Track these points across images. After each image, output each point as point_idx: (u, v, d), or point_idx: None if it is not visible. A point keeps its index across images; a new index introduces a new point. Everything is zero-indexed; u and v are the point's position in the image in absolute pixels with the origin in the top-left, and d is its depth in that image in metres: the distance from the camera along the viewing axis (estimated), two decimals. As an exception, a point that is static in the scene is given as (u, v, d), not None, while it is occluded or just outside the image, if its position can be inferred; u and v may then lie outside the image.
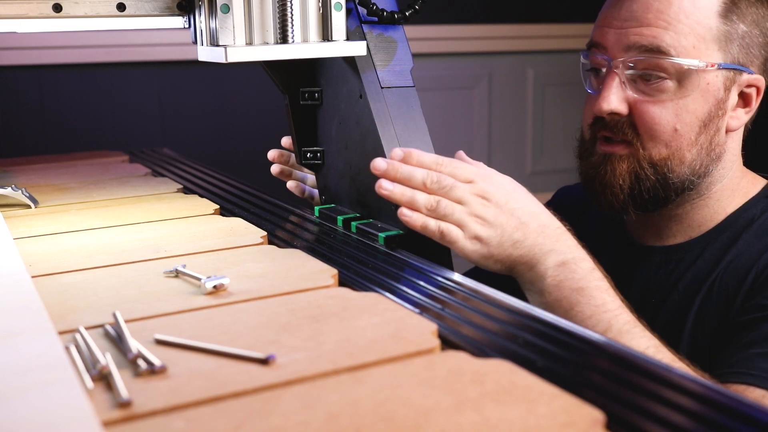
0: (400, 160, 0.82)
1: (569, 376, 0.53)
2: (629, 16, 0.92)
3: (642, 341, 0.75)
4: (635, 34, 0.91)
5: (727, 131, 0.94)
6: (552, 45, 2.75)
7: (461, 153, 0.89)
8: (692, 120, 0.91)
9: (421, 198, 0.80)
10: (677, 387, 0.51)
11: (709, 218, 0.97)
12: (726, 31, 0.91)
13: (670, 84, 0.91)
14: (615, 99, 0.92)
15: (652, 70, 0.90)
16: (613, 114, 0.93)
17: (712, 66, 0.90)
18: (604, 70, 0.95)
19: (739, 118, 0.95)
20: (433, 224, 0.80)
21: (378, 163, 0.81)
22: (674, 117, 0.91)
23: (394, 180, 0.81)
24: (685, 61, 0.89)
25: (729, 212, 0.96)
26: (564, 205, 1.15)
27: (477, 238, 0.80)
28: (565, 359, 0.56)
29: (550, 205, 1.16)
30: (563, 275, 0.78)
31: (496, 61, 2.77)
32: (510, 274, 0.82)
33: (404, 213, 0.80)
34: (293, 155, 1.15)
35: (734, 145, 0.97)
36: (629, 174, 0.93)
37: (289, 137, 1.10)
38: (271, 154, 1.16)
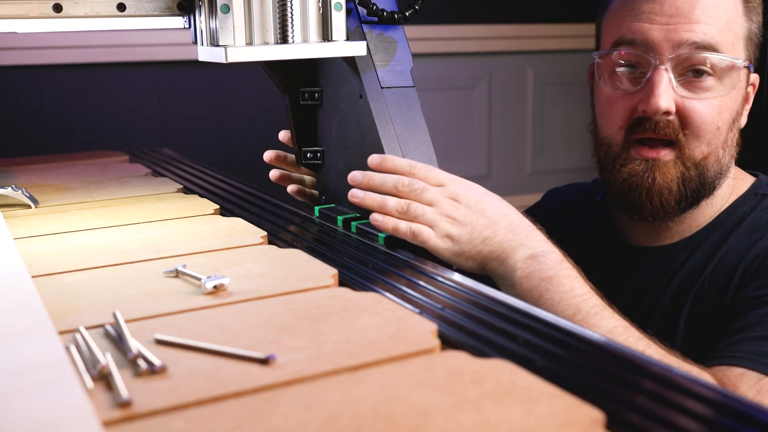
0: (375, 166, 0.85)
1: (569, 376, 0.53)
2: (675, 12, 0.90)
3: (610, 321, 0.75)
4: (686, 31, 0.89)
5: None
6: (552, 45, 2.75)
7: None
8: (729, 117, 0.92)
9: (392, 202, 0.83)
10: (677, 387, 0.51)
11: (704, 217, 0.97)
12: (748, 29, 0.92)
13: (713, 81, 0.90)
14: (668, 98, 0.90)
15: (700, 67, 0.90)
16: (665, 113, 0.90)
17: (747, 63, 0.92)
18: (621, 69, 0.93)
19: (744, 115, 0.96)
20: (404, 226, 0.82)
21: (354, 176, 0.87)
22: (717, 115, 0.91)
23: (368, 188, 0.85)
24: (731, 58, 0.90)
25: (721, 210, 0.96)
26: (553, 208, 1.15)
27: (448, 236, 0.81)
28: (565, 359, 0.56)
29: (538, 207, 1.16)
30: (532, 267, 0.79)
31: (496, 61, 2.77)
32: (482, 272, 0.83)
33: (375, 218, 0.83)
34: (290, 154, 1.14)
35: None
36: (677, 179, 0.92)
37: (287, 131, 1.10)
38: (268, 155, 1.14)
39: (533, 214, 0.87)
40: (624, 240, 1.03)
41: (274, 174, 1.13)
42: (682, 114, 0.91)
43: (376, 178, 0.85)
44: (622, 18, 0.94)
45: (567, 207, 1.13)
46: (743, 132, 1.00)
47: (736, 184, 0.98)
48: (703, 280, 0.92)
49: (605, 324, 0.75)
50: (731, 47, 0.90)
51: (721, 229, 0.95)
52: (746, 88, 0.95)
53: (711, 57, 0.89)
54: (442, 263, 0.82)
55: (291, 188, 1.13)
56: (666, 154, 0.92)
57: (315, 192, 1.12)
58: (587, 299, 0.77)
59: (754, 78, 0.95)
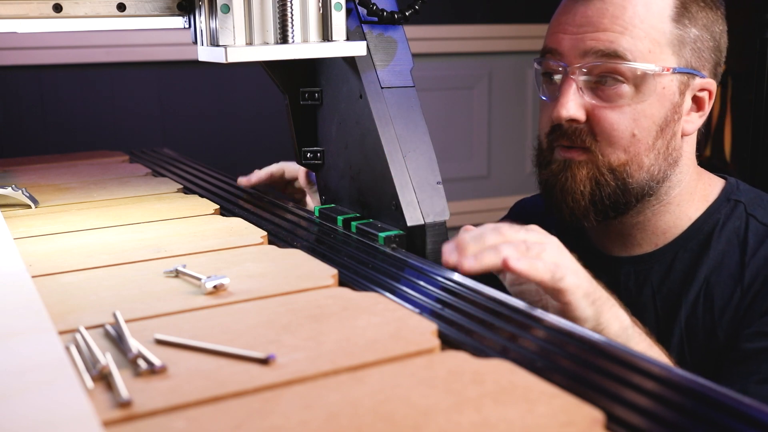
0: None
1: (569, 376, 0.53)
2: (584, 22, 0.91)
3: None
4: (591, 39, 0.90)
5: (682, 135, 0.94)
6: (552, 45, 2.75)
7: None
8: (650, 125, 0.91)
9: (511, 248, 0.73)
10: (677, 387, 0.51)
11: (672, 224, 0.96)
12: (679, 35, 0.91)
13: (627, 89, 0.90)
14: (573, 105, 0.91)
15: (609, 75, 0.90)
16: (572, 121, 0.91)
17: (668, 70, 0.90)
18: (558, 76, 0.94)
19: (693, 122, 0.95)
20: (541, 264, 0.72)
21: (449, 254, 0.74)
22: (632, 122, 0.90)
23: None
24: (642, 66, 0.89)
25: (693, 218, 0.95)
26: (521, 219, 1.14)
27: (576, 273, 0.74)
28: (565, 359, 0.56)
29: (507, 219, 1.16)
30: (638, 329, 0.78)
31: (496, 61, 2.77)
32: (595, 326, 0.75)
33: (512, 261, 0.70)
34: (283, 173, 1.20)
35: (689, 148, 0.97)
36: (589, 180, 0.92)
37: (244, 177, 1.16)
38: (242, 182, 1.21)
39: (536, 204, 0.87)
40: (594, 249, 1.02)
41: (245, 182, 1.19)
42: (592, 121, 0.91)
43: (488, 237, 0.74)
44: (550, 28, 0.96)
45: (533, 218, 1.12)
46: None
47: (701, 189, 0.97)
48: (695, 297, 0.91)
49: None
50: (647, 54, 0.89)
51: (698, 237, 0.94)
52: (681, 94, 0.92)
53: (618, 65, 0.89)
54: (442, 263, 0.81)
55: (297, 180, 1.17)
56: (578, 155, 0.92)
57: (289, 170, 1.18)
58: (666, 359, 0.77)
59: (706, 83, 0.93)
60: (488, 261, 0.71)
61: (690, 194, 0.96)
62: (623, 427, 0.47)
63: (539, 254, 0.73)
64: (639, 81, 0.90)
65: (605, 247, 1.01)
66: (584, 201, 0.93)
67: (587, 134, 0.92)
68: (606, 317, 0.75)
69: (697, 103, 0.94)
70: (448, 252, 0.74)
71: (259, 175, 1.20)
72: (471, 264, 0.71)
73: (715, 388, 0.51)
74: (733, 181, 0.98)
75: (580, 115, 0.91)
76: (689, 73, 0.92)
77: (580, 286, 0.73)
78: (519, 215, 1.17)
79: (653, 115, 0.91)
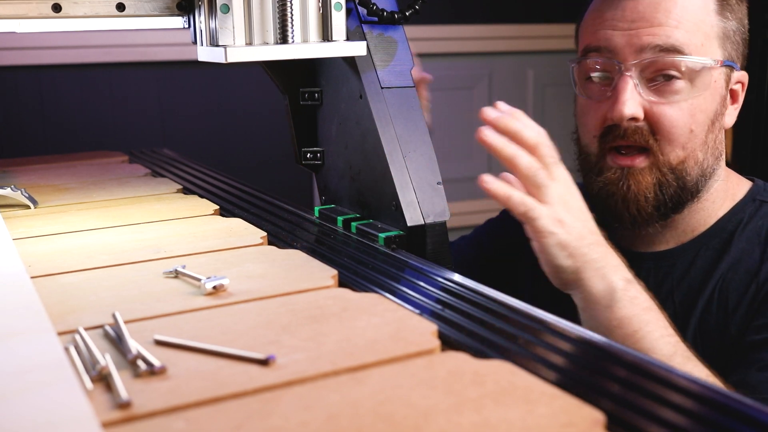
0: (493, 121, 0.77)
1: (569, 377, 0.53)
2: (637, 17, 0.89)
3: (700, 371, 0.74)
4: (648, 35, 0.88)
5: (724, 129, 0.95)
6: (552, 45, 2.75)
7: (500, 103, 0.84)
8: (704, 119, 0.90)
9: (524, 160, 0.75)
10: (677, 387, 0.51)
11: (702, 222, 0.95)
12: (723, 27, 0.91)
13: (682, 84, 0.89)
14: (633, 104, 0.89)
15: (667, 70, 0.88)
16: (632, 120, 0.89)
17: (720, 63, 0.90)
18: (596, 75, 0.92)
19: (731, 115, 0.94)
20: (517, 197, 0.74)
21: (487, 112, 0.76)
22: (690, 118, 0.89)
23: (503, 130, 0.76)
24: (699, 60, 0.88)
25: (719, 216, 0.95)
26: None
27: (560, 221, 0.75)
28: (566, 360, 0.56)
29: (505, 213, 1.15)
30: (633, 292, 0.76)
31: (496, 61, 2.77)
32: (573, 281, 0.77)
33: (486, 180, 0.74)
34: None
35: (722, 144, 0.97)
36: (653, 185, 0.90)
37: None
38: None
39: (512, 218, 0.85)
40: (617, 244, 1.02)
41: None
42: (651, 119, 0.90)
43: (514, 124, 0.76)
44: (591, 26, 0.94)
45: None
46: (742, 132, 1.00)
47: (731, 188, 0.96)
48: (711, 293, 0.91)
49: (699, 372, 0.73)
50: (700, 48, 0.89)
51: (721, 236, 0.94)
52: (726, 87, 0.93)
53: (676, 60, 0.88)
54: (442, 264, 0.81)
55: None
56: (640, 161, 0.90)
57: None
58: (680, 341, 0.75)
59: (741, 76, 0.94)
60: (500, 153, 0.74)
61: (723, 192, 0.96)
62: (623, 428, 0.47)
63: (539, 185, 0.74)
64: (694, 75, 0.89)
65: (628, 244, 0.99)
66: (649, 207, 0.91)
67: (647, 133, 0.90)
68: (588, 274, 0.75)
69: (733, 95, 0.95)
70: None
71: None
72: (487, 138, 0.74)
73: (716, 389, 0.51)
74: (760, 182, 0.98)
75: (640, 113, 0.89)
76: (731, 65, 0.92)
77: (555, 233, 0.74)
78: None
79: (707, 109, 0.90)
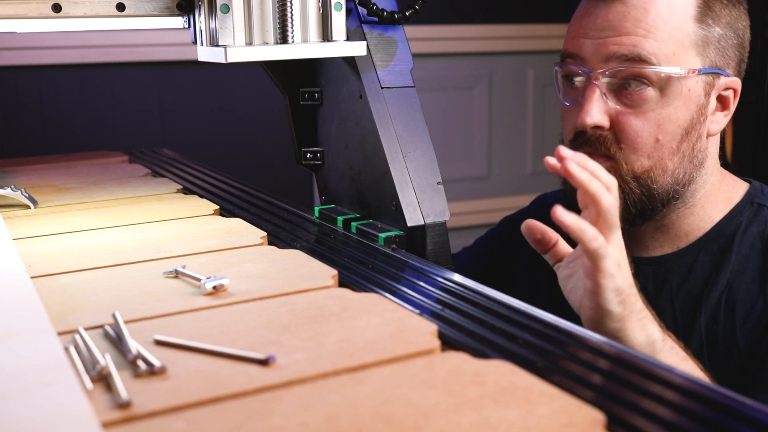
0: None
1: (569, 377, 0.53)
2: (606, 26, 0.89)
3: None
4: (614, 44, 0.88)
5: (708, 136, 0.93)
6: (552, 45, 2.75)
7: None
8: (674, 129, 0.89)
9: (607, 198, 0.75)
10: (677, 387, 0.51)
11: (696, 227, 0.95)
12: (703, 35, 0.89)
13: (651, 93, 0.88)
14: (597, 112, 0.89)
15: (633, 79, 0.88)
16: (596, 128, 0.89)
17: (693, 72, 0.88)
18: (579, 79, 0.92)
19: (719, 122, 0.93)
20: (591, 232, 0.72)
21: (563, 150, 0.74)
22: (656, 128, 0.89)
23: (581, 167, 0.74)
24: (667, 69, 0.87)
25: (715, 220, 0.94)
26: (543, 214, 1.14)
27: (620, 266, 0.75)
28: (565, 359, 0.56)
29: (528, 213, 1.15)
30: (670, 343, 0.77)
31: (496, 61, 2.77)
32: (614, 331, 0.75)
33: (560, 213, 0.71)
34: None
35: (713, 149, 0.95)
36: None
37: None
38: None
39: (521, 220, 0.84)
40: None
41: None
42: (616, 128, 0.90)
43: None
44: (570, 31, 0.94)
45: None
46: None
47: (727, 191, 0.96)
48: (716, 302, 0.90)
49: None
50: (671, 57, 0.88)
51: (719, 240, 0.93)
52: (706, 95, 0.91)
53: (643, 70, 0.87)
54: (442, 264, 0.81)
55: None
56: (602, 163, 0.88)
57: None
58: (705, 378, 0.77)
59: (731, 82, 0.92)
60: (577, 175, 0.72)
61: (714, 196, 0.95)
62: (623, 428, 0.47)
63: (609, 230, 0.74)
64: (664, 85, 0.88)
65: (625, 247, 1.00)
66: None
67: (611, 141, 0.90)
68: (632, 324, 0.75)
69: (722, 102, 0.93)
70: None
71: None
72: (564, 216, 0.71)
73: (716, 389, 0.51)
74: (757, 184, 0.97)
75: (605, 122, 0.89)
76: (714, 73, 0.90)
77: (615, 276, 0.73)
78: (540, 209, 1.16)
79: (678, 118, 0.89)
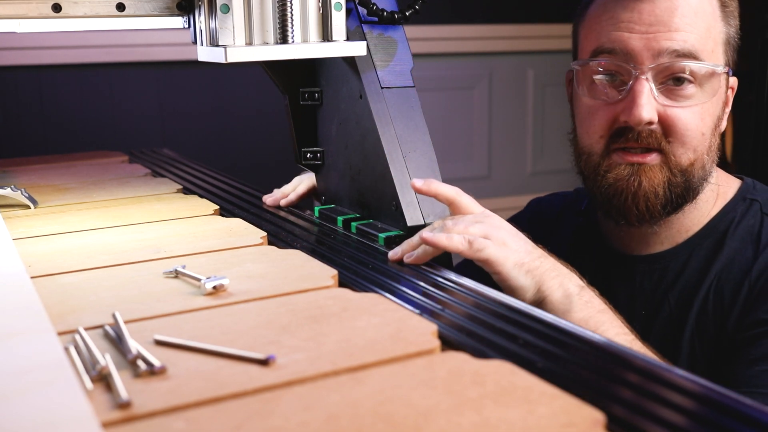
0: (420, 189, 0.84)
1: (569, 377, 0.53)
2: (654, 21, 0.89)
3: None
4: (666, 39, 0.88)
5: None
6: (552, 45, 2.75)
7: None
8: (712, 123, 0.91)
9: (447, 222, 0.81)
10: (677, 387, 0.51)
11: (696, 222, 0.96)
12: (727, 33, 0.92)
13: (695, 88, 0.90)
14: (650, 108, 0.89)
15: (680, 74, 0.89)
16: (648, 123, 0.89)
17: (728, 68, 0.91)
18: (614, 76, 0.92)
19: (725, 119, 0.96)
20: (458, 237, 0.78)
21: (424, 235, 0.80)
22: (701, 121, 0.90)
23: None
24: (712, 65, 0.89)
25: (711, 215, 0.96)
26: (537, 218, 1.14)
27: (505, 244, 0.78)
28: (565, 360, 0.56)
29: (522, 218, 1.16)
30: (587, 296, 0.78)
31: (496, 61, 2.77)
32: (536, 293, 0.79)
33: (427, 235, 0.78)
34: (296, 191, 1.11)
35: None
36: (663, 183, 0.91)
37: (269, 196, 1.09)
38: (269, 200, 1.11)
39: (517, 224, 0.85)
40: (612, 248, 1.02)
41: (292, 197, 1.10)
42: (665, 123, 0.90)
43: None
44: (601, 27, 0.93)
45: (549, 217, 1.12)
46: (742, 133, 1.01)
47: (721, 187, 0.97)
48: (706, 293, 0.91)
49: None
50: (711, 54, 0.90)
51: (713, 236, 0.94)
52: (726, 92, 0.94)
53: (691, 65, 0.88)
54: (442, 264, 0.81)
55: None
56: (652, 159, 0.91)
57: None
58: (635, 340, 0.77)
59: (733, 81, 0.95)
60: (414, 243, 0.81)
61: (713, 192, 0.97)
62: (623, 427, 0.47)
63: (464, 228, 0.79)
64: (705, 80, 0.90)
65: (622, 246, 1.00)
66: (658, 204, 0.91)
67: (661, 136, 0.90)
68: (548, 285, 0.78)
69: (727, 100, 0.96)
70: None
71: (290, 200, 1.10)
72: (399, 253, 0.81)
73: (716, 389, 0.51)
74: (749, 181, 0.99)
75: (656, 117, 0.90)
76: (729, 70, 0.93)
77: (508, 257, 0.77)
78: (534, 213, 1.17)
79: (714, 113, 0.92)
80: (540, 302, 0.78)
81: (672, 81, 0.89)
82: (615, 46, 0.91)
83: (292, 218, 1.01)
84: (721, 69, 0.90)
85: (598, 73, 0.93)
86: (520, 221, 1.12)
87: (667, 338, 0.93)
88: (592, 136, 0.94)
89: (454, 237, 0.78)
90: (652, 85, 0.89)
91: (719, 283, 0.91)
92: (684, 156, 0.91)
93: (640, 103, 0.88)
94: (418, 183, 0.84)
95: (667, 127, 0.90)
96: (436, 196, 0.84)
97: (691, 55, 0.88)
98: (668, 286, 0.95)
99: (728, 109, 0.96)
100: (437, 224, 0.82)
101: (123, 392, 0.49)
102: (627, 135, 0.91)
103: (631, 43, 0.90)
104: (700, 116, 0.90)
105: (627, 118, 0.90)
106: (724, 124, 0.96)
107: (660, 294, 0.95)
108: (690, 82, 0.89)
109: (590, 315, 0.76)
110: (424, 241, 0.78)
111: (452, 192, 0.84)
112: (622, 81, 0.91)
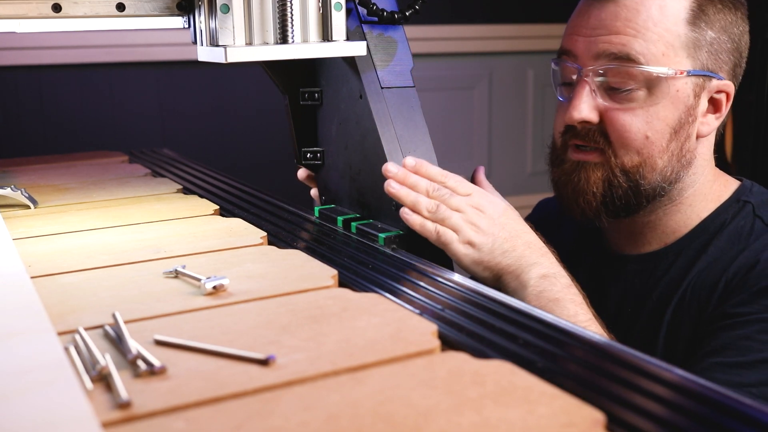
0: (410, 169, 0.88)
1: (569, 377, 0.53)
2: (598, 25, 0.91)
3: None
4: (604, 42, 0.91)
5: (698, 137, 0.94)
6: (552, 45, 2.74)
7: (480, 169, 0.97)
8: (663, 127, 0.91)
9: (423, 201, 0.86)
10: (677, 387, 0.51)
11: (683, 224, 0.97)
12: (694, 38, 0.91)
13: (640, 92, 0.90)
14: (586, 107, 0.92)
15: (621, 77, 0.90)
16: (584, 123, 0.92)
17: (681, 73, 0.90)
18: (574, 77, 0.94)
19: (710, 123, 0.95)
20: (430, 225, 0.85)
21: (389, 167, 0.87)
22: (645, 124, 0.91)
23: (401, 183, 0.87)
24: (655, 69, 0.89)
25: (702, 217, 0.96)
26: (543, 218, 1.16)
27: (470, 243, 0.84)
28: (566, 360, 0.56)
29: (531, 219, 1.17)
30: (543, 286, 0.82)
31: (496, 61, 2.77)
32: (495, 284, 0.85)
33: (405, 212, 0.86)
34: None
35: (705, 150, 0.97)
36: (602, 182, 0.93)
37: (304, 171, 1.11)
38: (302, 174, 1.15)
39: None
40: (608, 248, 1.04)
41: (302, 173, 1.13)
42: (605, 123, 0.92)
43: (411, 177, 0.87)
44: (567, 30, 0.97)
45: (554, 217, 1.13)
46: (742, 132, 1.00)
47: (717, 190, 0.97)
48: (684, 289, 0.92)
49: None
50: (660, 57, 0.90)
51: (702, 237, 0.95)
52: (696, 97, 0.92)
53: (631, 68, 0.90)
54: (442, 264, 0.82)
55: (314, 191, 1.12)
56: (594, 157, 0.93)
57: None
58: (588, 326, 0.79)
59: (724, 85, 0.94)
60: (403, 200, 0.86)
61: (704, 195, 0.97)
62: (623, 427, 0.47)
63: (443, 218, 0.85)
64: (652, 84, 0.90)
65: (617, 246, 1.02)
66: (596, 202, 0.94)
67: (600, 136, 0.93)
68: (505, 279, 0.85)
69: (714, 104, 0.94)
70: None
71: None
72: (392, 190, 0.87)
73: (716, 389, 0.51)
74: (747, 183, 0.99)
75: (593, 117, 0.92)
76: (705, 75, 0.92)
77: (468, 255, 0.84)
78: (541, 214, 1.18)
79: (666, 117, 0.91)
80: (501, 289, 0.84)
81: (617, 83, 0.91)
82: (567, 48, 0.96)
83: (292, 218, 1.01)
84: (670, 73, 0.89)
85: (559, 73, 0.99)
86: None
87: (646, 334, 0.94)
88: (555, 133, 0.99)
89: (426, 224, 0.85)
90: (594, 86, 0.92)
91: (698, 281, 0.92)
92: (626, 157, 0.92)
93: (575, 103, 0.93)
94: (409, 163, 0.88)
95: (605, 128, 0.93)
96: (426, 177, 0.88)
97: (628, 59, 0.90)
98: (653, 284, 0.96)
99: (720, 114, 0.94)
100: (433, 194, 0.87)
101: (123, 392, 0.49)
102: (572, 132, 0.95)
103: (576, 45, 0.94)
104: (644, 119, 0.91)
105: (565, 117, 0.94)
106: (706, 129, 0.94)
107: (645, 291, 0.96)
108: (633, 84, 0.90)
109: (540, 305, 0.81)
110: (402, 218, 0.86)
111: (439, 175, 0.88)
112: (572, 81, 0.95)
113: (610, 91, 0.92)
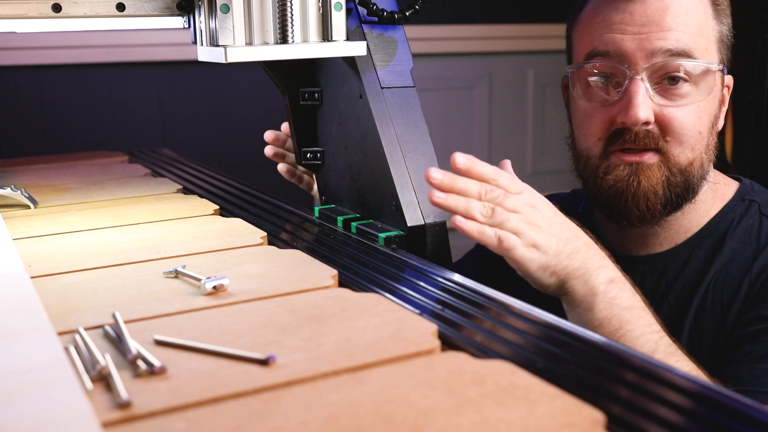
0: (462, 169, 0.78)
1: (569, 377, 0.53)
2: (646, 21, 0.89)
3: (685, 365, 0.75)
4: (659, 39, 0.89)
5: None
6: (552, 45, 2.75)
7: (507, 163, 0.87)
8: (708, 122, 0.92)
9: (477, 205, 0.77)
10: (677, 387, 0.51)
11: (695, 222, 0.96)
12: (719, 31, 0.92)
13: (690, 87, 0.90)
14: (646, 108, 0.89)
15: (677, 74, 0.89)
16: (644, 123, 0.90)
17: (721, 66, 0.92)
18: (609, 78, 0.92)
19: (722, 117, 0.96)
20: (489, 231, 0.76)
21: (433, 173, 0.76)
22: (697, 120, 0.90)
23: (450, 191, 0.76)
24: (705, 63, 0.89)
25: (710, 216, 0.96)
26: None
27: (534, 246, 0.77)
28: (565, 360, 0.56)
29: None
30: (614, 292, 0.77)
31: (496, 61, 2.77)
32: (559, 291, 0.79)
33: (458, 221, 0.75)
34: (289, 140, 1.17)
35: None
36: (662, 182, 0.91)
37: (274, 132, 1.14)
38: (268, 135, 1.20)
39: None
40: (612, 249, 1.02)
41: (268, 150, 1.16)
42: (661, 122, 0.90)
43: (459, 182, 0.77)
44: (594, 29, 0.93)
45: None
46: (742, 133, 1.01)
47: (719, 189, 0.97)
48: (705, 291, 0.91)
49: (682, 367, 0.74)
50: (704, 52, 0.90)
51: (713, 236, 0.95)
52: (722, 90, 0.95)
53: (685, 63, 0.89)
54: (442, 264, 0.81)
55: (281, 167, 1.15)
56: (650, 158, 0.91)
57: (305, 175, 1.18)
58: (663, 337, 0.76)
59: (728, 80, 0.95)
60: (454, 209, 0.76)
61: (712, 193, 0.97)
62: (623, 427, 0.47)
63: (501, 222, 0.76)
64: (700, 78, 0.90)
65: (623, 247, 1.00)
66: (658, 204, 0.91)
67: (658, 136, 0.91)
68: (571, 284, 0.78)
69: (723, 98, 0.96)
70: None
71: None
72: (438, 200, 0.76)
73: (716, 389, 0.51)
74: (747, 182, 0.99)
75: (653, 117, 0.90)
76: (723, 69, 0.94)
77: (534, 260, 0.77)
78: None
79: (710, 112, 0.92)
80: (563, 298, 0.79)
81: (667, 80, 0.90)
82: (609, 48, 0.91)
83: (292, 218, 1.01)
84: (716, 66, 0.91)
85: (593, 75, 0.94)
86: None
87: None
88: (590, 139, 0.94)
89: (485, 230, 0.76)
90: (648, 85, 0.90)
91: (718, 282, 0.91)
92: (682, 155, 0.91)
93: (636, 104, 0.89)
94: (460, 164, 0.77)
95: (664, 127, 0.90)
96: (478, 178, 0.78)
97: (684, 54, 0.89)
98: (668, 286, 0.95)
99: (725, 108, 0.97)
100: (486, 196, 0.77)
101: (123, 392, 0.49)
102: (624, 136, 0.91)
103: (624, 45, 0.90)
104: (697, 115, 0.91)
105: (624, 119, 0.90)
106: (721, 123, 0.96)
107: (660, 294, 0.95)
108: (685, 80, 0.90)
109: (614, 313, 0.76)
110: (456, 227, 0.75)
111: (492, 174, 0.79)
112: (617, 83, 0.92)
113: (661, 88, 0.90)
